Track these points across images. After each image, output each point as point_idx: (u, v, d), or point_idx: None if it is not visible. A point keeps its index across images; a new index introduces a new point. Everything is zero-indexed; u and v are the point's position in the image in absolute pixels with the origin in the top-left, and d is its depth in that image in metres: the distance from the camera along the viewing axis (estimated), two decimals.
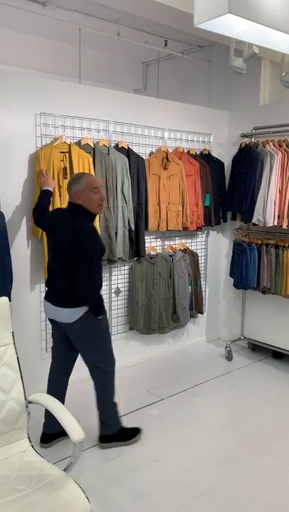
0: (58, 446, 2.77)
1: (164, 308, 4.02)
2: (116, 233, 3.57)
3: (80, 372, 3.69)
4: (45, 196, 3.04)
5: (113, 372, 2.84)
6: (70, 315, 2.57)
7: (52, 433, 2.80)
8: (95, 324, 2.63)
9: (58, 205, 3.20)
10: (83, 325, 2.60)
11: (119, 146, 3.63)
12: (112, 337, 3.90)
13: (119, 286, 3.91)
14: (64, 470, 1.84)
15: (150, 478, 2.57)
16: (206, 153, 4.30)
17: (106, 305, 3.82)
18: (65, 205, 3.25)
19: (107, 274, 3.82)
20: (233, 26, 2.03)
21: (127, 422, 3.13)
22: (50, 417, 2.64)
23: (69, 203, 2.63)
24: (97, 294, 2.60)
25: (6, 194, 3.15)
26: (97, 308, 2.60)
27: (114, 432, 2.84)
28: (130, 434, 2.90)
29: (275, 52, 2.38)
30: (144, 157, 3.80)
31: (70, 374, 2.92)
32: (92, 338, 2.68)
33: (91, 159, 3.34)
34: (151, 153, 3.93)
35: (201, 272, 4.51)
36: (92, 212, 2.61)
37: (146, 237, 3.90)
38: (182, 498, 2.40)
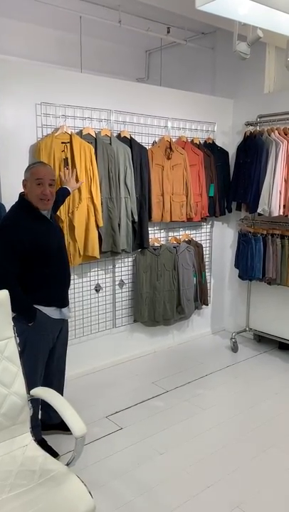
0: (61, 440, 2.75)
1: (168, 300, 3.98)
2: (119, 225, 3.53)
3: (77, 368, 3.70)
4: (59, 192, 2.93)
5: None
6: None
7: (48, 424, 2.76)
8: (21, 331, 2.30)
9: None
10: (15, 325, 2.31)
11: (122, 135, 3.57)
12: (117, 329, 3.93)
13: (123, 278, 3.87)
14: (67, 465, 1.82)
15: (155, 471, 2.55)
16: (210, 142, 4.23)
17: (110, 297, 3.81)
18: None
19: (111, 266, 3.78)
20: (237, 8, 1.96)
21: (132, 415, 3.12)
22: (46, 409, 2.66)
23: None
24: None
25: (6, 186, 3.11)
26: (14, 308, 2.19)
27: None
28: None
29: (280, 36, 2.32)
30: (147, 147, 3.74)
31: (63, 372, 2.80)
32: (21, 344, 2.30)
33: (93, 149, 3.29)
34: (154, 143, 3.87)
35: (206, 263, 4.46)
36: (35, 206, 2.46)
37: (149, 229, 3.85)
38: (188, 491, 2.38)
